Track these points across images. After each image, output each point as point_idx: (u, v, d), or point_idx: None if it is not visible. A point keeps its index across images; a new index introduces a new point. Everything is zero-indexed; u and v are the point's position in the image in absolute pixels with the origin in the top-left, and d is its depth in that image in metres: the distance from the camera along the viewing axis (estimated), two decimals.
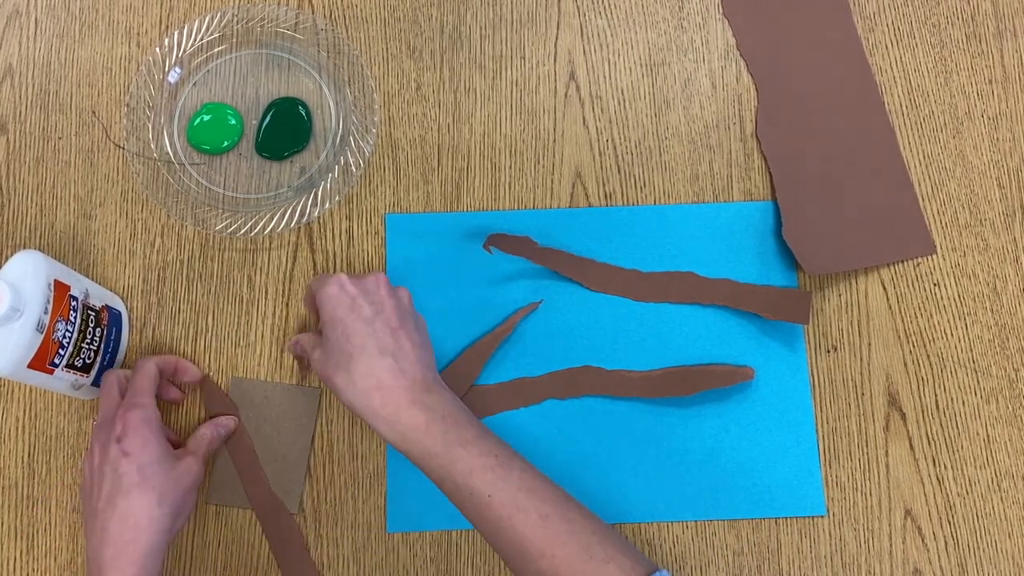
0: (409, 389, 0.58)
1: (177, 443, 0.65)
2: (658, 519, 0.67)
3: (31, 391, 0.69)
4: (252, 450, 0.67)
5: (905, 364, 0.70)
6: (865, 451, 0.68)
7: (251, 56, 0.75)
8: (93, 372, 0.66)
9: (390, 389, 0.58)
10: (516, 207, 0.73)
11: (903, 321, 0.71)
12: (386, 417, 0.58)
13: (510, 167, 0.74)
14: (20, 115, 0.75)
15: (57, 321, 0.61)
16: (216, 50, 0.75)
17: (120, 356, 0.69)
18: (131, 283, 0.71)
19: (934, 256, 0.72)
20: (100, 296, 0.67)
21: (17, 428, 0.69)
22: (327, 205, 0.70)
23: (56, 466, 0.68)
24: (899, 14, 0.77)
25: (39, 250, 0.64)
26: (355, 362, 0.58)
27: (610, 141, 0.74)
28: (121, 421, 0.60)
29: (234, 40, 0.75)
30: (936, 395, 0.69)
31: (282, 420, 0.68)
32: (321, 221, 0.72)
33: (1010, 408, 0.69)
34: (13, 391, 0.69)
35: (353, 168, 0.71)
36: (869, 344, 0.70)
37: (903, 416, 0.69)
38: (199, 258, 0.72)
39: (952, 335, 0.70)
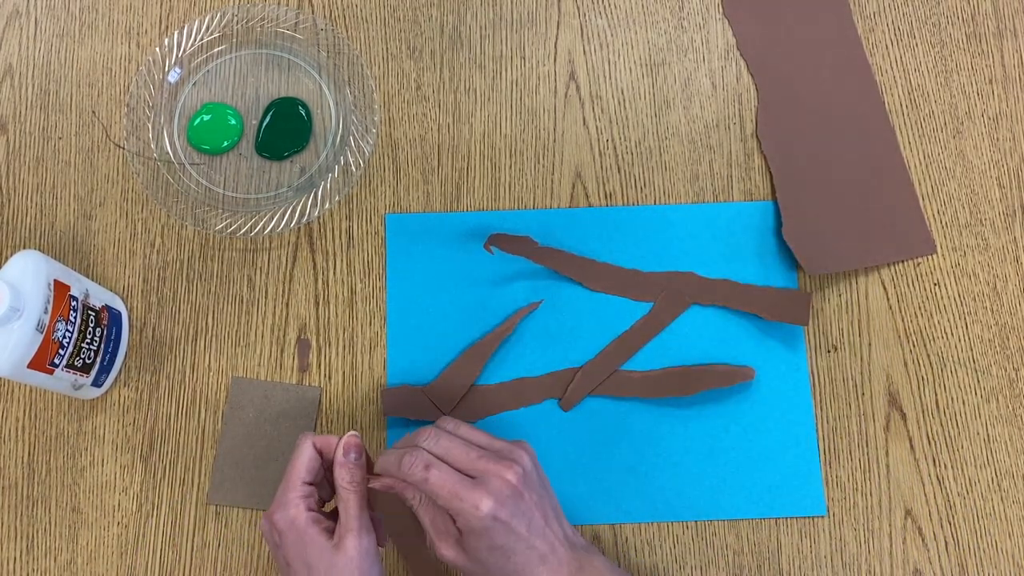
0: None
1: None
2: (658, 519, 0.67)
3: (31, 391, 0.69)
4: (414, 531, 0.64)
5: (905, 364, 0.70)
6: (865, 451, 0.68)
7: (251, 56, 0.75)
8: (93, 372, 0.66)
9: None
10: (516, 207, 0.73)
11: (903, 321, 0.70)
12: None
13: (510, 167, 0.74)
14: (20, 115, 0.75)
15: (57, 321, 0.61)
16: (216, 50, 0.75)
17: (120, 356, 0.69)
18: (131, 283, 0.71)
19: (934, 256, 0.72)
20: (100, 296, 0.67)
21: (17, 428, 0.69)
22: (327, 205, 0.70)
23: (56, 466, 0.68)
24: (899, 14, 0.77)
25: (39, 250, 0.64)
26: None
27: (610, 141, 0.74)
28: (273, 526, 0.56)
29: (234, 40, 0.75)
30: (936, 395, 0.69)
31: (282, 420, 0.68)
32: (321, 221, 0.72)
33: (1010, 408, 0.69)
34: (13, 391, 0.69)
35: (353, 168, 0.71)
36: (869, 344, 0.70)
37: (903, 416, 0.69)
38: (199, 258, 0.72)
39: (952, 335, 0.70)
